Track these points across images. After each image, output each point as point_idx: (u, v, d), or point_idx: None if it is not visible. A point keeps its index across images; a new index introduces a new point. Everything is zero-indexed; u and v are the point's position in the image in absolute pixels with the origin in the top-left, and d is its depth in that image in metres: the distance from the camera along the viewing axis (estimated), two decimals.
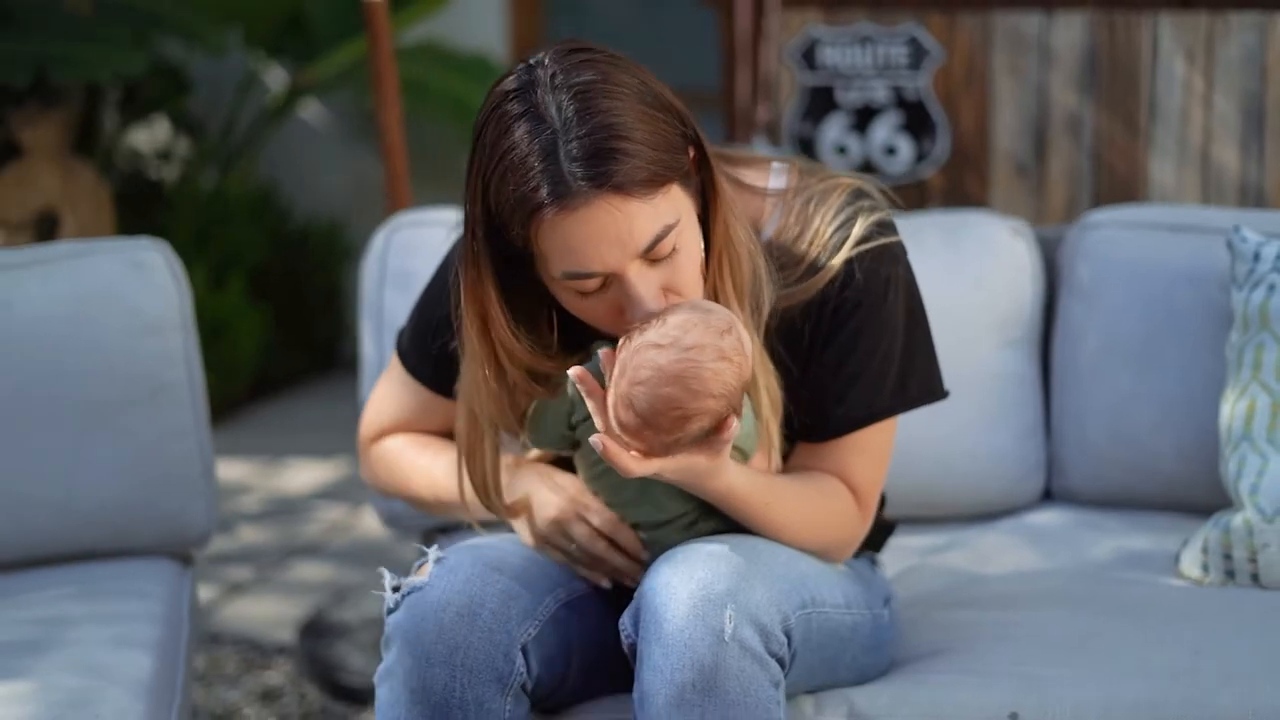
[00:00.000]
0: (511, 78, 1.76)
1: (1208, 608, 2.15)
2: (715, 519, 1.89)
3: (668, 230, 1.74)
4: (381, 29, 3.02)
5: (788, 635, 1.80)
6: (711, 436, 1.74)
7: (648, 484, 1.85)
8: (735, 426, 1.73)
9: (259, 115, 5.26)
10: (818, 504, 1.92)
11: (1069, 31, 3.47)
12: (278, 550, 3.94)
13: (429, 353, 2.02)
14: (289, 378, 5.24)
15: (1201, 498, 2.41)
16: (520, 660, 1.81)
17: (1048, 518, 2.52)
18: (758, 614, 1.75)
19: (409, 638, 1.79)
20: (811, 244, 1.90)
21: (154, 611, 2.23)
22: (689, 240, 1.78)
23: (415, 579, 1.82)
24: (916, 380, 1.97)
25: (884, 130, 3.63)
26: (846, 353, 1.91)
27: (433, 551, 1.85)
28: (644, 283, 1.75)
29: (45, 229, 4.46)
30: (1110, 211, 2.60)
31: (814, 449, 1.95)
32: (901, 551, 2.42)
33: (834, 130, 3.65)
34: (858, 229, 1.90)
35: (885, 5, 3.63)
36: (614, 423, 1.73)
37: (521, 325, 1.84)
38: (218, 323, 4.77)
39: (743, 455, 1.86)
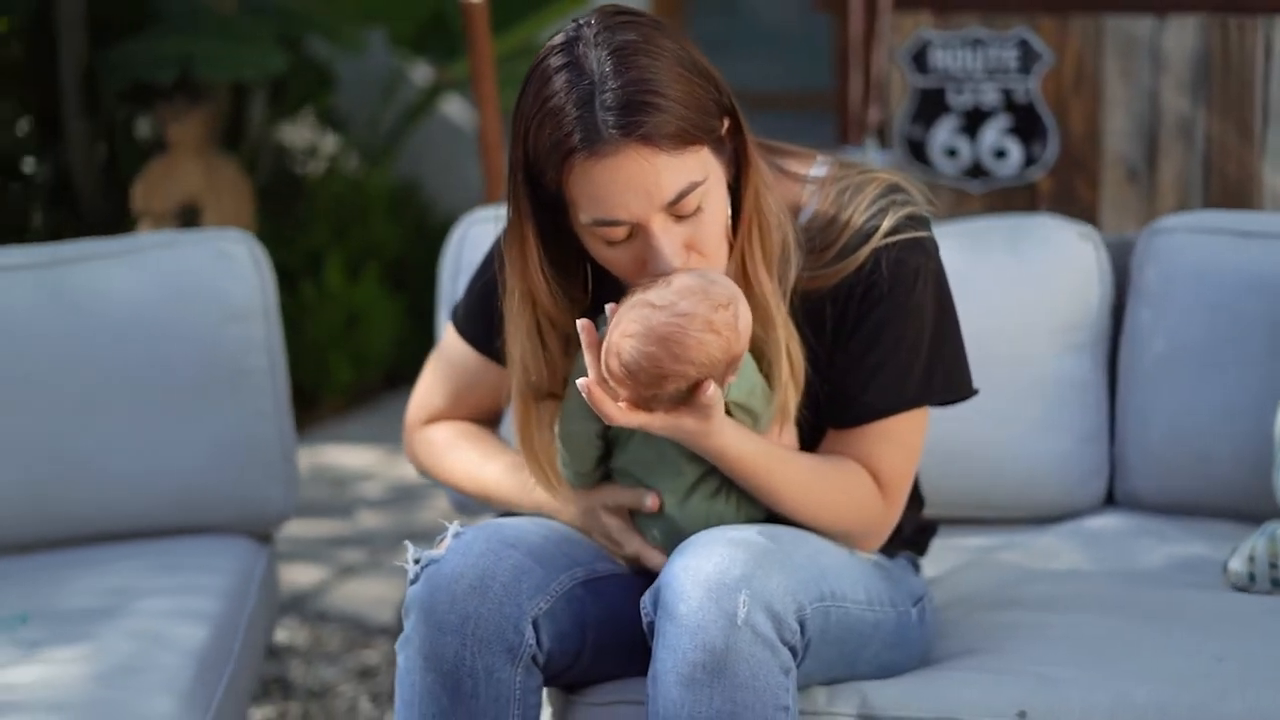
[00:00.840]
0: (559, 35, 1.86)
1: (1244, 615, 2.14)
2: (740, 491, 1.94)
3: (693, 186, 1.82)
4: (480, 30, 3.11)
5: (801, 624, 1.84)
6: (692, 399, 1.81)
7: (663, 448, 1.91)
8: (712, 392, 1.79)
9: (404, 112, 5.39)
10: (834, 482, 1.95)
11: (1181, 35, 3.44)
12: (393, 535, 4.05)
13: (479, 313, 2.11)
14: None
15: (1263, 506, 2.39)
16: (530, 633, 1.87)
17: (1107, 522, 2.52)
18: (772, 601, 1.80)
19: (425, 607, 1.87)
20: (844, 231, 1.95)
21: (220, 586, 2.34)
22: (715, 202, 1.86)
23: (434, 552, 1.90)
24: (942, 374, 2.00)
25: (993, 133, 3.63)
26: (872, 341, 1.95)
27: (452, 527, 1.94)
28: (667, 237, 1.83)
29: (188, 219, 4.63)
30: (1180, 216, 2.59)
31: (839, 436, 2.00)
32: (956, 551, 2.44)
33: (944, 133, 3.66)
34: (889, 220, 1.95)
35: (996, 8, 3.62)
36: (604, 370, 1.81)
37: (557, 278, 1.92)
38: (353, 313, 4.91)
39: (753, 419, 1.90)
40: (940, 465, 2.52)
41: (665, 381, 1.79)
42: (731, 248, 1.91)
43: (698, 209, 1.84)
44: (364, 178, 5.22)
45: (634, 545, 1.97)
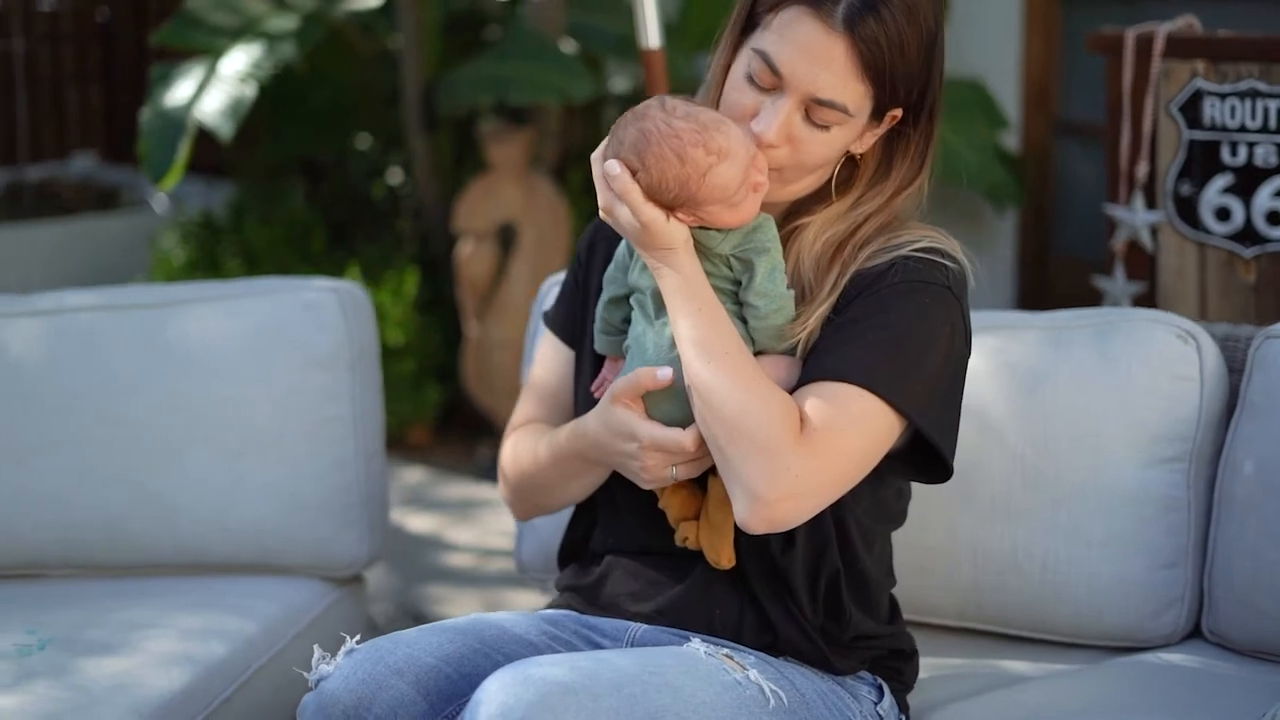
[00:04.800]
0: None
1: None
2: None
3: (843, 109, 1.90)
4: (658, 74, 3.05)
5: None
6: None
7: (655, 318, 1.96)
8: (617, 170, 1.86)
9: None
10: (760, 378, 1.87)
11: None
12: None
13: (567, 307, 2.18)
14: None
15: None
16: None
17: (1177, 660, 2.23)
18: None
19: None
20: (886, 245, 1.97)
21: (242, 631, 2.40)
22: (840, 140, 1.93)
23: (325, 668, 1.89)
24: (917, 387, 1.90)
25: (1268, 194, 3.29)
26: (858, 318, 1.92)
27: (349, 642, 1.92)
28: (786, 118, 1.90)
29: (506, 239, 4.75)
30: None
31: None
32: (987, 678, 2.24)
33: (1216, 191, 3.35)
34: (924, 245, 1.96)
35: (1276, 59, 3.28)
36: None
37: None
38: None
39: (749, 275, 1.91)
40: (996, 577, 2.34)
41: (618, 149, 1.90)
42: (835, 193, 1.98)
43: (826, 129, 1.91)
44: None
45: (645, 432, 1.92)
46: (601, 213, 1.93)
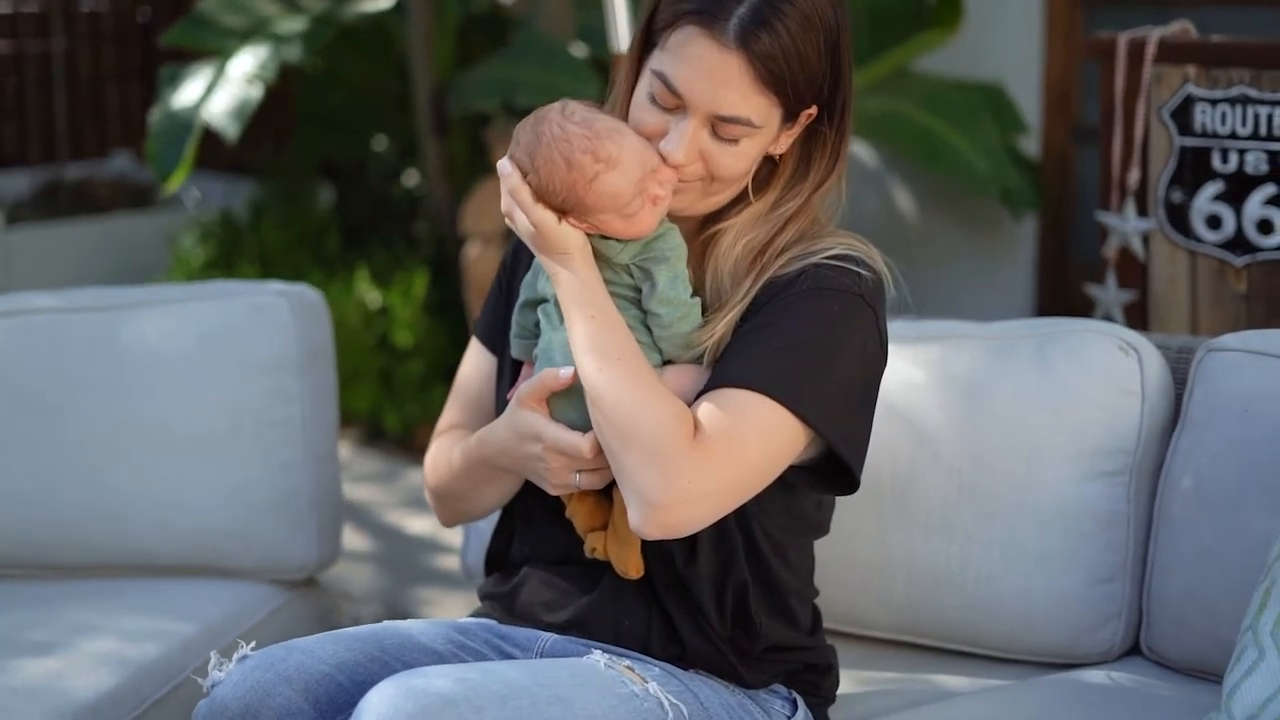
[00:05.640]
0: None
1: None
2: None
3: (747, 124, 1.88)
4: None
5: None
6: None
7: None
8: (507, 170, 1.88)
9: None
10: (646, 382, 1.86)
11: None
12: None
13: (494, 321, 2.16)
14: None
15: None
16: None
17: (1109, 677, 2.18)
18: None
19: None
20: (802, 252, 1.96)
21: (180, 633, 2.40)
22: (752, 149, 1.92)
23: (217, 674, 1.89)
24: (818, 396, 1.87)
25: (1259, 202, 3.24)
26: (765, 324, 1.90)
27: (243, 648, 1.92)
28: (692, 136, 1.89)
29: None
30: (1247, 334, 2.23)
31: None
32: (912, 695, 2.21)
33: (1207, 199, 3.29)
34: (835, 251, 1.94)
35: (1268, 65, 3.22)
36: None
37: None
38: None
39: (650, 284, 1.90)
40: (930, 591, 2.31)
41: (512, 149, 1.92)
42: (752, 194, 1.97)
43: (736, 142, 1.90)
44: None
45: (549, 434, 1.92)
46: (504, 215, 1.92)
